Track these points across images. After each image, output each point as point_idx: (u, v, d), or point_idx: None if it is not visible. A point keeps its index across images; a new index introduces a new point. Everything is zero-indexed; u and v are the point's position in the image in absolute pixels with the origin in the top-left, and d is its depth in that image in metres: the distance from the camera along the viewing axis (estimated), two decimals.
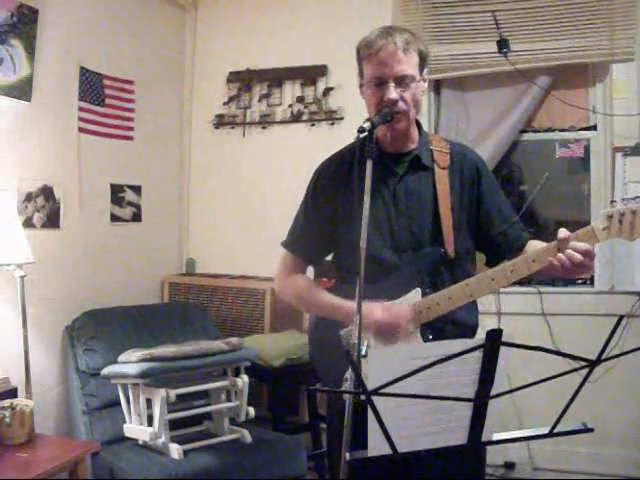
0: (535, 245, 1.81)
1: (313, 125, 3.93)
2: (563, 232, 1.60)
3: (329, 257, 1.99)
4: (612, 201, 1.62)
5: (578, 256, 1.56)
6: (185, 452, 2.72)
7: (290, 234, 1.98)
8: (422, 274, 1.76)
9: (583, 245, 1.57)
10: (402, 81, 1.70)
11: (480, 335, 1.72)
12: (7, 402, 2.57)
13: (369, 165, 1.55)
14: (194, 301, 3.89)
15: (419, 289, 1.74)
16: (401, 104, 1.71)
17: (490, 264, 1.91)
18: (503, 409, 1.15)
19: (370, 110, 1.76)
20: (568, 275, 1.63)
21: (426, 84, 1.80)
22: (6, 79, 2.89)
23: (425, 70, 1.78)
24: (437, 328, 1.74)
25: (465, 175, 1.83)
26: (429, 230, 1.78)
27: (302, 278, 1.96)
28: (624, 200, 1.60)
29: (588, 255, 1.57)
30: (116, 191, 3.65)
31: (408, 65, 1.70)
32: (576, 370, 1.20)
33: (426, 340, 1.73)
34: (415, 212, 1.79)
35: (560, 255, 1.58)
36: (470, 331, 1.83)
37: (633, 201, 1.57)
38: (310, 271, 2.23)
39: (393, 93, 1.69)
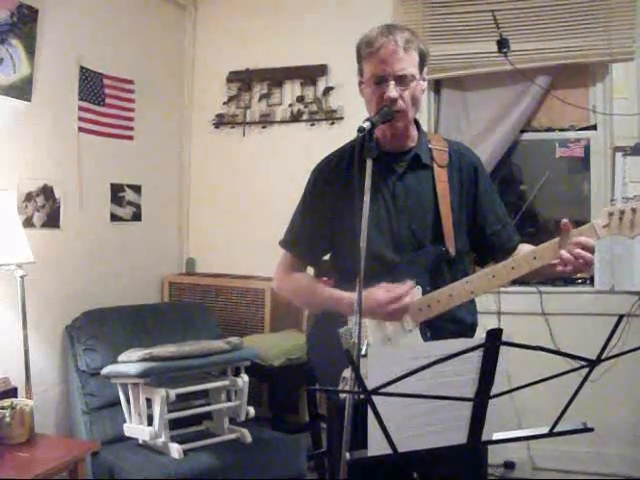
0: (527, 248, 1.81)
1: (313, 125, 3.93)
2: (565, 222, 1.61)
3: (326, 257, 1.99)
4: (612, 199, 1.63)
5: (579, 250, 1.58)
6: (185, 452, 2.72)
7: (288, 233, 1.98)
8: (423, 272, 1.76)
9: (584, 239, 1.59)
10: (402, 80, 1.70)
11: (480, 334, 1.73)
12: (7, 402, 2.57)
13: (369, 164, 1.55)
14: (194, 301, 3.89)
15: (419, 287, 1.75)
16: (400, 102, 1.71)
17: (479, 263, 1.92)
18: (503, 409, 1.15)
19: (369, 108, 1.76)
20: (568, 272, 1.63)
21: (425, 83, 1.80)
22: (6, 79, 2.89)
23: (425, 69, 1.78)
24: (436, 326, 1.74)
25: (463, 174, 1.84)
26: (429, 228, 1.79)
27: (302, 275, 1.97)
28: (624, 198, 1.61)
29: (588, 249, 1.59)
30: (116, 191, 3.65)
31: (408, 64, 1.70)
32: (576, 370, 1.20)
33: (425, 338, 1.73)
34: (415, 210, 1.79)
35: (562, 252, 1.59)
36: (469, 329, 1.84)
37: (633, 200, 1.57)
38: (310, 271, 2.22)
39: (393, 91, 1.69)
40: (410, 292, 1.71)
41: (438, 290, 1.73)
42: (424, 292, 1.74)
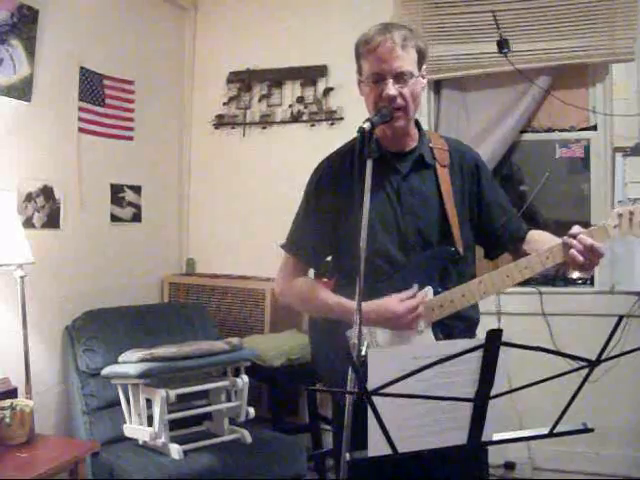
0: (537, 235, 1.86)
1: (313, 125, 3.93)
2: (576, 228, 1.64)
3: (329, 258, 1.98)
4: (619, 200, 1.65)
5: (590, 240, 1.60)
6: (185, 452, 2.72)
7: (290, 236, 1.95)
8: (432, 272, 1.76)
9: (597, 245, 1.61)
10: (400, 77, 1.70)
11: (480, 334, 1.73)
12: (7, 402, 2.57)
13: (369, 165, 1.54)
14: (194, 301, 3.89)
15: (431, 287, 1.75)
16: (399, 100, 1.71)
17: (490, 257, 1.93)
18: (503, 409, 1.15)
19: (368, 107, 1.76)
20: (580, 267, 1.64)
21: (425, 81, 1.80)
22: (6, 79, 2.89)
23: (424, 67, 1.78)
24: (446, 325, 1.76)
25: (465, 172, 1.85)
26: (436, 228, 1.79)
27: (304, 280, 1.93)
28: (630, 199, 1.62)
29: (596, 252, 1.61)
30: (116, 191, 3.65)
31: (406, 61, 1.70)
32: (576, 370, 1.20)
33: (437, 338, 1.74)
34: (421, 210, 1.79)
35: (572, 240, 1.62)
36: (474, 326, 1.86)
37: (633, 202, 1.59)
38: (310, 272, 2.21)
39: (392, 89, 1.69)
40: (423, 299, 1.72)
41: (451, 290, 1.73)
42: (435, 292, 1.75)
